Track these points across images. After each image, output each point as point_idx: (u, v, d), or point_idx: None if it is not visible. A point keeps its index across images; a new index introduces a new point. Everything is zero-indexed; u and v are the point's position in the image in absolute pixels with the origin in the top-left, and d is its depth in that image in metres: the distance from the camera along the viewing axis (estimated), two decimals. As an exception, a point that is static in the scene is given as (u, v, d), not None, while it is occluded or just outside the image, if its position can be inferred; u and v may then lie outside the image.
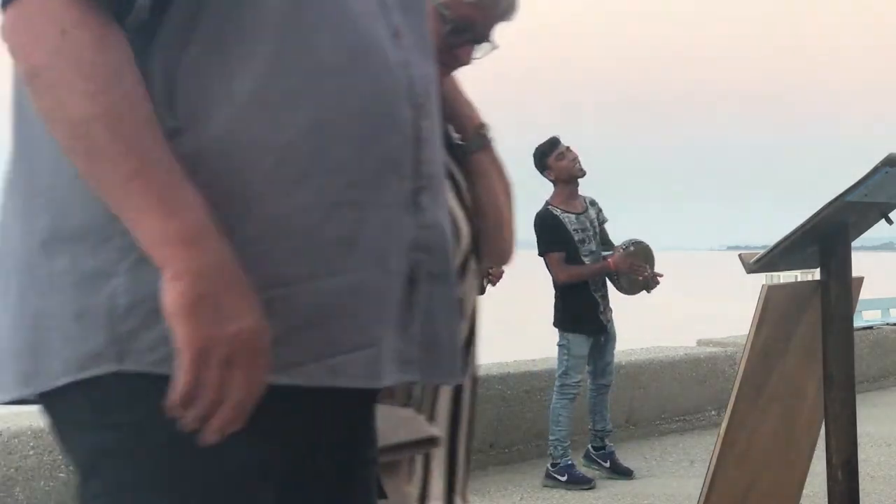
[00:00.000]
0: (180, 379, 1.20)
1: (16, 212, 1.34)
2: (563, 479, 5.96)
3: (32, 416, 4.93)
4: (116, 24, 1.25)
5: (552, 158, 6.08)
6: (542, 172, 6.13)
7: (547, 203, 6.14)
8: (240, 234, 1.27)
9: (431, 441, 1.97)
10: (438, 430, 2.06)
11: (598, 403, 6.23)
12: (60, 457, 4.66)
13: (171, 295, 1.20)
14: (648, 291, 6.17)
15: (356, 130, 1.33)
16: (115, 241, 1.26)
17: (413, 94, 1.41)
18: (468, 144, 2.13)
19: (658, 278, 6.16)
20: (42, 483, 4.61)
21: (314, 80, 1.31)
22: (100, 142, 1.21)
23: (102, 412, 1.29)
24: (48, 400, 1.33)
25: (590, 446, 6.28)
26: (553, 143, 6.11)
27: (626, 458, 6.46)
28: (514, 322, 23.74)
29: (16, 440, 4.57)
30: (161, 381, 1.23)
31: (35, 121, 1.29)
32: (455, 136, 2.13)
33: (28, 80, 1.24)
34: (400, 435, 1.90)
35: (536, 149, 6.15)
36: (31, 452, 4.60)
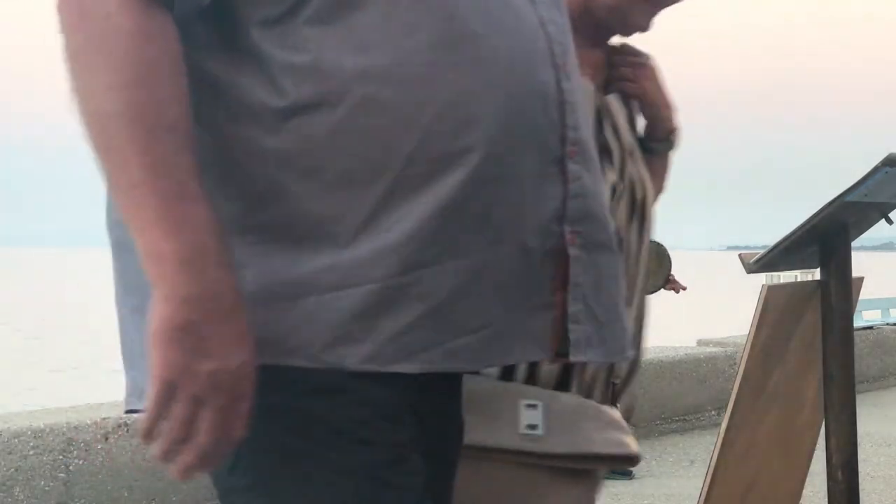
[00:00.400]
0: (145, 409, 1.15)
1: None
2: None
3: (32, 417, 4.93)
4: (167, 14, 1.18)
5: None
6: None
7: None
8: (375, 218, 1.20)
9: (630, 459, 1.81)
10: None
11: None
12: (61, 457, 4.66)
13: (154, 318, 1.14)
14: (676, 291, 6.14)
15: (498, 100, 1.24)
16: (250, 236, 1.20)
17: (553, 54, 1.31)
18: (655, 146, 2.01)
19: (678, 285, 6.11)
20: (42, 483, 4.61)
21: (452, 48, 1.22)
22: (114, 140, 1.15)
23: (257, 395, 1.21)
24: None
25: None
26: None
27: (625, 457, 6.45)
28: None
29: (16, 440, 4.57)
30: (293, 373, 1.19)
31: None
32: (641, 127, 1.99)
33: (66, 58, 1.18)
34: (596, 445, 1.73)
35: None
36: (31, 452, 4.59)
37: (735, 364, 7.83)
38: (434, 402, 1.33)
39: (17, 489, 4.54)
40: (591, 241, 1.34)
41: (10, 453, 4.54)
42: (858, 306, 4.77)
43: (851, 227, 3.08)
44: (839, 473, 3.05)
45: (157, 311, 1.13)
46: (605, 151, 1.83)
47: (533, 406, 1.65)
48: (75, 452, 4.73)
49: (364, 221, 1.20)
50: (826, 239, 3.05)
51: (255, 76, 1.20)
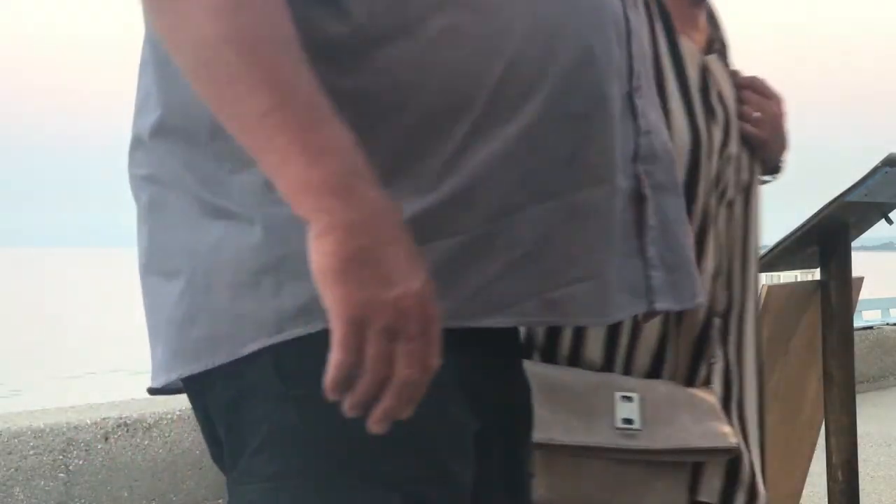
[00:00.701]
0: (334, 357, 1.00)
1: (176, 163, 1.16)
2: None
3: (32, 416, 4.93)
4: None
5: None
6: None
7: None
8: (458, 161, 1.10)
9: (728, 451, 1.73)
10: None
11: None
12: (61, 457, 4.67)
13: (319, 254, 1.00)
14: None
15: (580, 27, 1.17)
16: None
17: None
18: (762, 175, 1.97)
19: None
20: (42, 483, 4.61)
21: None
22: (229, 68, 1.02)
23: (290, 380, 1.11)
24: (223, 372, 1.13)
25: None
26: None
27: (626, 458, 6.45)
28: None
29: (16, 440, 4.57)
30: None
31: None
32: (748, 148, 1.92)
33: None
34: (693, 438, 1.68)
35: None
36: (31, 452, 4.59)
37: (735, 364, 7.81)
38: (490, 375, 1.24)
39: (17, 489, 4.54)
40: (657, 183, 1.28)
41: (10, 453, 4.54)
42: (858, 306, 4.77)
43: (851, 227, 3.09)
44: (839, 473, 3.05)
45: (322, 247, 1.00)
46: (710, 112, 1.82)
47: (628, 398, 1.66)
48: (75, 452, 4.73)
49: (447, 165, 1.10)
50: (826, 239, 3.06)
51: (328, 6, 1.09)
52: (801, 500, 3.54)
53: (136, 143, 1.22)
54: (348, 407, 1.02)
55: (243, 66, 1.01)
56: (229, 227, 1.12)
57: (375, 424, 1.02)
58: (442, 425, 1.13)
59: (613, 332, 1.73)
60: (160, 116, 1.17)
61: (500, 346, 1.27)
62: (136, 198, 1.23)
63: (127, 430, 4.92)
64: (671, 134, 1.54)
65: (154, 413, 5.07)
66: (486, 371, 1.23)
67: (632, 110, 1.25)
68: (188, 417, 5.18)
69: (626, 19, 1.24)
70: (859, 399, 3.32)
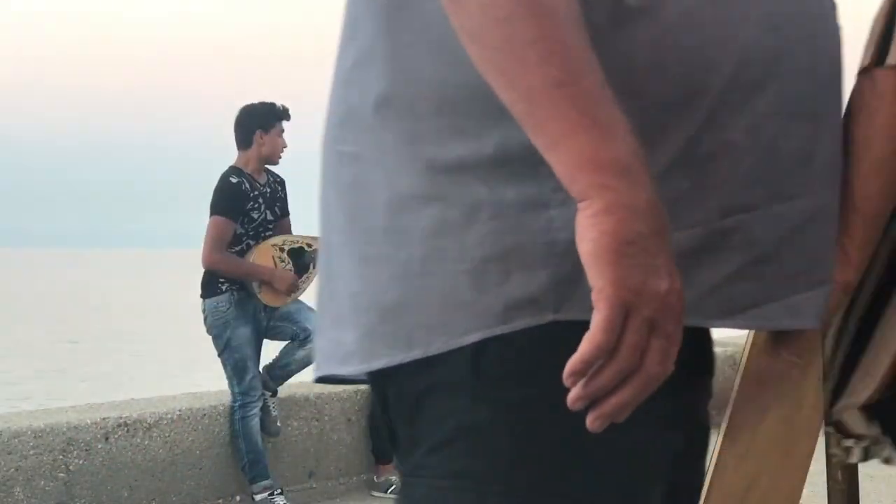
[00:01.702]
0: (593, 338, 0.94)
1: (393, 139, 1.10)
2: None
3: (32, 417, 4.94)
4: None
5: None
6: None
7: None
8: (689, 152, 1.06)
9: None
10: None
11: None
12: (61, 457, 4.67)
13: (596, 232, 0.95)
14: None
15: (807, 29, 1.14)
16: (545, 167, 1.01)
17: None
18: None
19: None
20: (42, 483, 4.61)
21: None
22: (523, 36, 0.97)
23: (490, 376, 1.05)
24: (431, 364, 1.08)
25: None
26: None
27: (626, 458, 6.45)
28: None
29: (16, 440, 4.57)
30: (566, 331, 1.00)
31: (413, 22, 1.07)
32: None
33: None
34: None
35: None
36: (31, 452, 4.60)
37: (735, 364, 7.82)
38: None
39: (18, 489, 4.54)
40: None
41: (10, 453, 4.54)
42: (858, 306, 4.75)
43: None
44: (839, 473, 3.04)
45: (601, 225, 0.95)
46: None
47: None
48: (75, 452, 4.73)
49: (681, 153, 1.06)
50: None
51: None
52: (801, 500, 3.54)
53: (345, 118, 1.15)
54: (577, 396, 0.96)
55: (538, 34, 0.96)
56: (449, 210, 1.06)
57: (597, 420, 0.97)
58: (642, 447, 1.08)
59: None
60: (384, 89, 1.10)
61: (702, 356, 1.20)
62: (334, 174, 1.17)
63: (127, 430, 4.92)
64: None
65: (154, 413, 5.07)
66: (691, 381, 1.16)
67: None
68: (188, 417, 5.18)
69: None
70: (859, 399, 3.31)
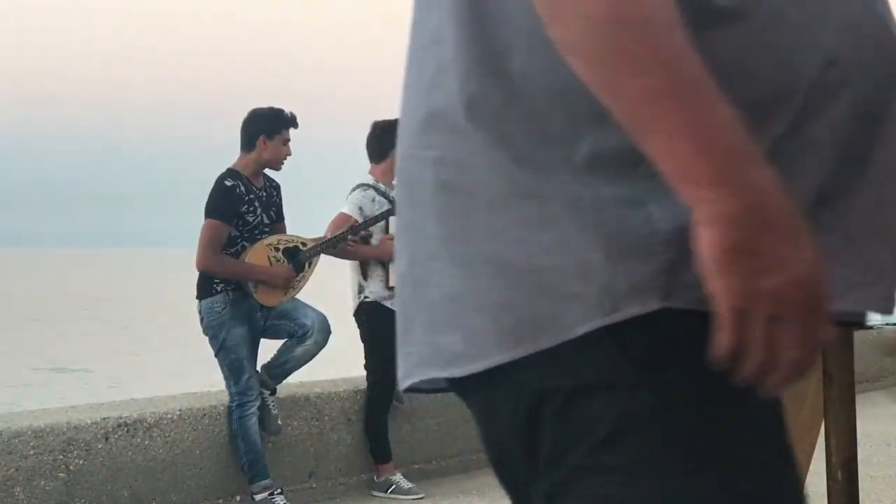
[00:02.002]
0: (720, 340, 1.02)
1: (485, 142, 1.10)
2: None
3: (33, 416, 4.94)
4: None
5: None
6: None
7: None
8: (779, 148, 1.08)
9: None
10: None
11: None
12: (61, 456, 4.67)
13: (703, 242, 1.00)
14: None
15: (874, 29, 1.15)
16: (643, 169, 1.04)
17: None
18: None
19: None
20: (42, 483, 4.61)
21: None
22: (624, 50, 0.99)
23: (639, 364, 1.07)
24: (542, 359, 1.08)
25: None
26: None
27: (626, 457, 6.45)
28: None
29: (16, 440, 4.57)
30: (706, 323, 1.03)
31: (505, 22, 1.08)
32: None
33: None
34: None
35: None
36: (31, 452, 4.60)
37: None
38: None
39: (18, 489, 4.54)
40: None
41: (10, 453, 4.54)
42: (858, 306, 4.75)
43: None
44: (839, 473, 3.04)
45: (705, 237, 1.01)
46: None
47: None
48: (75, 452, 4.73)
49: (764, 156, 1.06)
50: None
51: None
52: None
53: (429, 122, 1.16)
54: (743, 376, 1.03)
55: (640, 45, 0.99)
56: (548, 206, 1.08)
57: (770, 389, 1.06)
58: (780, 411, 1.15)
59: None
60: (474, 93, 1.11)
61: None
62: (416, 180, 1.17)
63: (127, 430, 4.92)
64: None
65: (154, 413, 5.07)
66: None
67: None
68: (188, 417, 5.18)
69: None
70: (859, 399, 3.32)
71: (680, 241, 1.04)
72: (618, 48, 0.99)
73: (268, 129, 5.41)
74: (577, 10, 1.00)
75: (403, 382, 1.21)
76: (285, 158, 5.49)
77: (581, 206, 1.07)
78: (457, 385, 1.19)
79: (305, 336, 5.43)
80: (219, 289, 5.29)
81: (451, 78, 1.13)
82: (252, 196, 5.34)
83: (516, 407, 1.13)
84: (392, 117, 5.91)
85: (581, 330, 1.06)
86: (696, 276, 1.03)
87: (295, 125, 5.50)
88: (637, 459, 1.07)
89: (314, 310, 5.53)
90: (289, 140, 5.48)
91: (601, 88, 1.02)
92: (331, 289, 8.39)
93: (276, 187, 5.57)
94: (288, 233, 5.58)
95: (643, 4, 1.00)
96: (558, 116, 1.08)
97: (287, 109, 5.53)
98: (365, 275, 5.76)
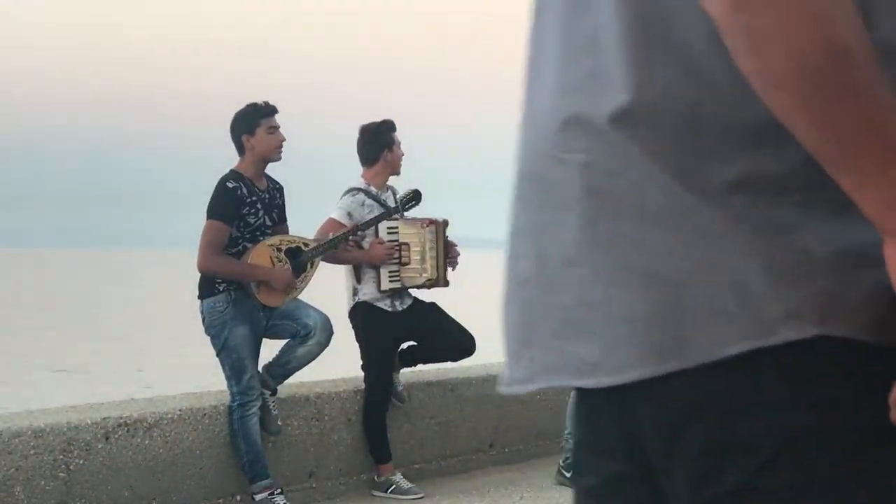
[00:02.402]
0: None
1: (639, 152, 1.09)
2: (569, 475, 5.96)
3: (33, 416, 4.94)
4: None
5: None
6: None
7: None
8: None
9: None
10: None
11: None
12: (61, 456, 4.67)
13: (892, 272, 1.01)
14: None
15: None
16: (797, 195, 1.05)
17: None
18: None
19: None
20: (42, 483, 4.61)
21: None
22: (833, 85, 0.98)
23: (797, 386, 1.05)
24: (691, 376, 1.07)
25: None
26: None
27: (625, 457, 6.45)
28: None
29: (16, 440, 4.57)
30: (869, 351, 1.03)
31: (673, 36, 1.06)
32: None
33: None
34: None
35: None
36: (31, 452, 4.60)
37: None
38: None
39: (18, 489, 4.54)
40: None
41: (10, 453, 4.54)
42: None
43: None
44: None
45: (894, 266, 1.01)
46: None
47: None
48: (76, 452, 4.73)
49: None
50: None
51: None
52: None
53: (576, 126, 1.14)
54: None
55: (848, 79, 0.98)
56: (704, 224, 1.07)
57: None
58: None
59: None
60: (629, 102, 1.09)
61: None
62: (553, 182, 1.16)
63: (127, 430, 4.92)
64: None
65: (154, 413, 5.07)
66: None
67: None
68: (188, 417, 5.19)
69: None
70: None
71: (838, 267, 1.03)
72: (829, 83, 0.98)
73: (245, 127, 5.40)
74: (784, 44, 0.97)
75: (521, 386, 1.19)
76: (280, 146, 5.43)
77: (738, 226, 1.05)
78: (581, 390, 1.17)
79: (308, 336, 5.43)
80: (221, 288, 5.29)
81: (602, 83, 1.11)
82: (254, 198, 5.34)
83: (656, 422, 1.11)
84: (377, 120, 5.94)
85: (734, 350, 1.04)
86: (855, 303, 1.02)
87: (272, 112, 5.45)
88: (799, 481, 1.06)
89: (316, 310, 5.53)
90: (275, 127, 5.43)
91: (807, 122, 1.00)
92: (331, 289, 8.39)
93: (280, 189, 5.58)
94: (296, 233, 5.59)
95: (852, 35, 0.98)
96: (717, 135, 1.07)
97: (261, 100, 5.49)
98: (358, 278, 5.78)
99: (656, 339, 1.07)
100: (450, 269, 5.98)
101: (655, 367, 1.07)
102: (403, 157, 5.97)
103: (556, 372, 1.15)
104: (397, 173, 5.97)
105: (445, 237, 5.93)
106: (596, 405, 1.20)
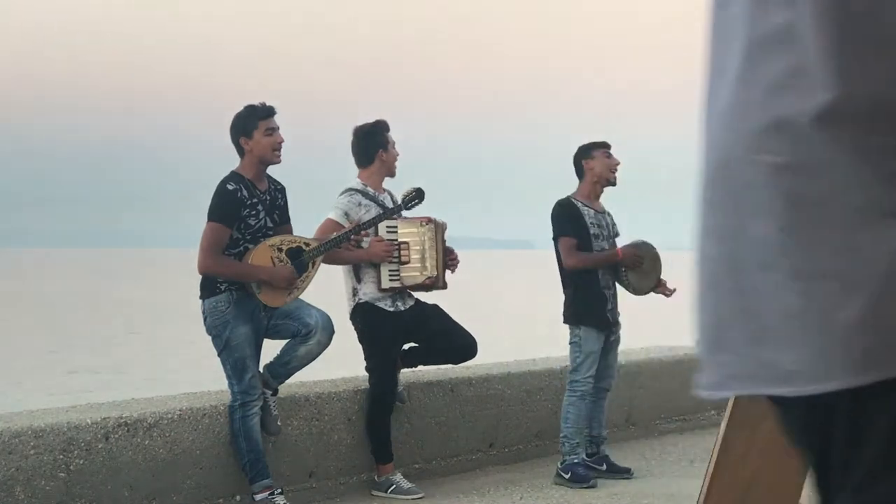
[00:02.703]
0: None
1: (844, 152, 1.06)
2: (567, 476, 5.97)
3: (33, 417, 4.93)
4: None
5: (597, 156, 6.14)
6: (579, 165, 6.18)
7: (570, 195, 6.19)
8: None
9: None
10: None
11: (596, 408, 6.21)
12: (61, 456, 4.67)
13: None
14: (667, 295, 6.18)
15: None
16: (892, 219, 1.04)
17: None
18: None
19: (668, 289, 6.16)
20: (42, 483, 4.61)
21: None
22: None
23: None
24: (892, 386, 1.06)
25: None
26: (599, 144, 6.20)
27: (625, 457, 6.46)
28: (517, 320, 23.74)
29: (16, 440, 4.57)
30: None
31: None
32: None
33: None
34: None
35: (582, 145, 6.21)
36: (31, 452, 4.60)
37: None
38: None
39: (18, 489, 4.54)
40: None
41: (10, 453, 4.54)
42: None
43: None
44: (839, 473, 3.05)
45: None
46: None
47: None
48: (76, 452, 4.73)
49: None
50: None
51: None
52: (801, 500, 3.55)
53: (777, 127, 1.10)
54: None
55: None
56: None
57: None
58: None
59: None
60: (834, 100, 1.06)
61: None
62: (750, 183, 1.12)
63: (127, 430, 4.92)
64: None
65: (154, 413, 5.07)
66: None
67: None
68: (188, 417, 5.18)
69: None
70: None
71: None
72: None
73: (243, 129, 5.40)
74: None
75: (715, 392, 1.19)
76: (278, 147, 5.41)
77: None
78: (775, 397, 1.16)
79: (309, 335, 5.43)
80: (222, 288, 5.29)
81: (805, 82, 1.08)
82: (255, 200, 5.33)
83: (855, 428, 1.10)
84: (370, 121, 5.94)
85: None
86: None
87: (270, 113, 5.44)
88: None
89: (318, 309, 5.53)
90: (274, 128, 5.40)
91: None
92: (332, 289, 8.39)
93: (282, 190, 5.57)
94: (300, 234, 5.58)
95: None
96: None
97: (259, 102, 5.48)
98: (358, 278, 5.77)
99: (860, 349, 1.04)
100: (448, 272, 5.98)
101: (859, 377, 1.05)
102: (398, 158, 5.96)
103: (750, 379, 1.14)
104: (392, 175, 5.95)
105: (444, 241, 5.93)
106: (787, 411, 1.18)
